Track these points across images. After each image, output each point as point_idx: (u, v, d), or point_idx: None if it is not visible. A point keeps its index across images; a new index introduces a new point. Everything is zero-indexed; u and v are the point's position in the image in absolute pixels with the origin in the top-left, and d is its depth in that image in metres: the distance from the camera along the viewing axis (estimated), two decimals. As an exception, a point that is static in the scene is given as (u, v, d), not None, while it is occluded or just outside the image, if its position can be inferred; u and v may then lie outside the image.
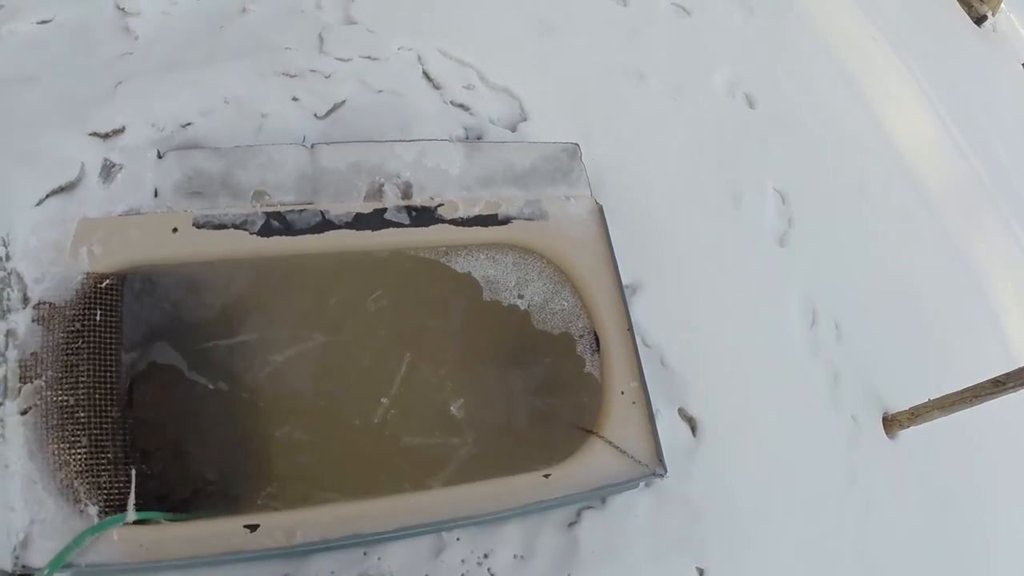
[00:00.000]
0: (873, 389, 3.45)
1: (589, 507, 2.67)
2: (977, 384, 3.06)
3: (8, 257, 2.29)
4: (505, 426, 2.58)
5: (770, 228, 3.60)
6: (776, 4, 4.73)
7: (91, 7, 2.92)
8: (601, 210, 2.83)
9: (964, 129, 5.18)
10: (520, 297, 2.70)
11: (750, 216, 3.57)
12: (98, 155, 2.51)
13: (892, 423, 3.40)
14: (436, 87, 3.19)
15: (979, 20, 7.43)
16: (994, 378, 3.00)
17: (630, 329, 2.61)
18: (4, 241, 2.32)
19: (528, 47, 3.55)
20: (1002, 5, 7.61)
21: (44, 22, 2.86)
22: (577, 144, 2.95)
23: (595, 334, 2.63)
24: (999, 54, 7.32)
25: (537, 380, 2.66)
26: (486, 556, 2.52)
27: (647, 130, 3.56)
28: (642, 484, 2.69)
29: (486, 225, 2.66)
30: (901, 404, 3.37)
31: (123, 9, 2.93)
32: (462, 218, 2.65)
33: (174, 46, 2.89)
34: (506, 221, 2.70)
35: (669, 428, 2.85)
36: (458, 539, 2.51)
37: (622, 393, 2.49)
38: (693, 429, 2.92)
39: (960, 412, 3.15)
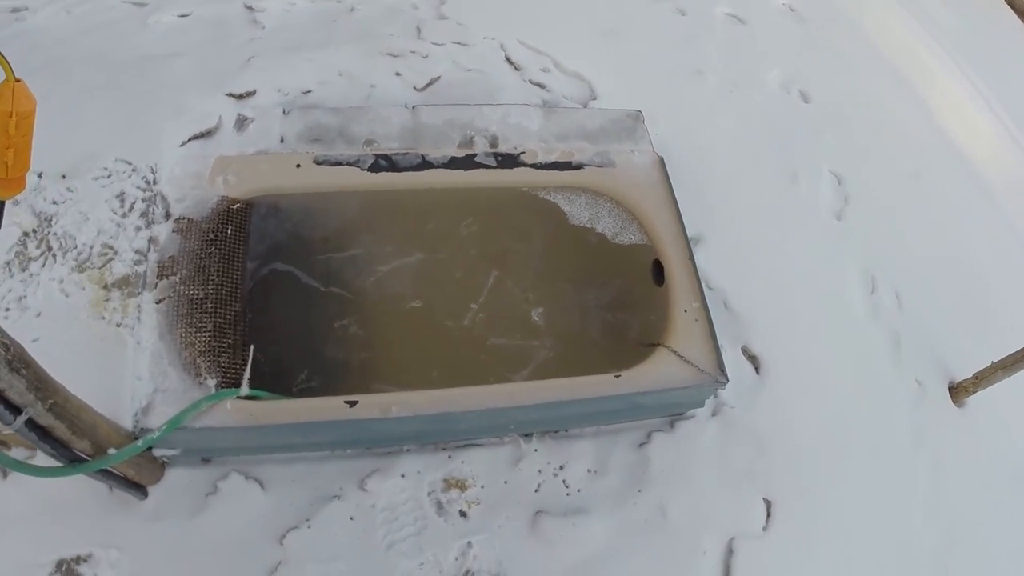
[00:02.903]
0: (936, 357, 3.36)
1: (659, 430, 2.74)
2: (1038, 341, 2.94)
3: (155, 181, 2.62)
4: (580, 335, 2.71)
5: (826, 204, 3.66)
6: (827, 14, 4.84)
7: (223, 5, 3.37)
8: (662, 161, 2.98)
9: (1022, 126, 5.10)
10: (592, 230, 2.87)
11: (806, 192, 3.64)
12: (233, 111, 2.85)
13: (958, 390, 3.29)
14: (516, 68, 3.48)
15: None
16: (1054, 330, 2.92)
17: (691, 258, 2.71)
18: (152, 169, 2.66)
19: (596, 44, 3.82)
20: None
21: (184, 15, 3.31)
22: (640, 111, 3.16)
23: (659, 262, 2.75)
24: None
25: (609, 298, 2.80)
26: (561, 468, 2.58)
27: (706, 116, 3.71)
28: (707, 405, 2.75)
29: (561, 170, 2.86)
30: (965, 373, 3.27)
31: (251, 7, 3.39)
32: (541, 163, 2.86)
33: (295, 34, 3.28)
34: (579, 167, 2.88)
35: (733, 364, 2.86)
36: (536, 450, 2.59)
37: (685, 311, 2.57)
38: (756, 368, 2.94)
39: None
